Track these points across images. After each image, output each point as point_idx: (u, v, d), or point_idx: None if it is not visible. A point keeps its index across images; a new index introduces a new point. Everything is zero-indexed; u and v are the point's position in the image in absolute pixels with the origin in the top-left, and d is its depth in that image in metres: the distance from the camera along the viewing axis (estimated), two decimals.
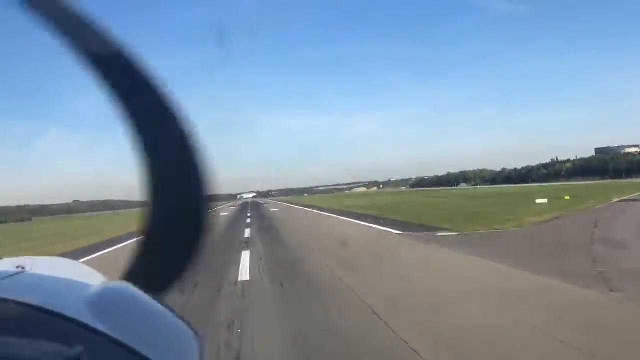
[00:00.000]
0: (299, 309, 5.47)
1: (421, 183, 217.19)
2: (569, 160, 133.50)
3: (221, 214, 39.57)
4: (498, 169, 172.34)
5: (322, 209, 34.53)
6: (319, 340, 4.30)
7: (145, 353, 0.56)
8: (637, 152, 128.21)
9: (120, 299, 0.69)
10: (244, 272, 8.12)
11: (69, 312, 0.56)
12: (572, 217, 15.84)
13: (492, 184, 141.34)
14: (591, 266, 6.82)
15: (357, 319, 4.93)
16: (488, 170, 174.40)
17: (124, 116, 0.69)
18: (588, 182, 75.56)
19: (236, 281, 7.37)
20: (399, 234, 13.32)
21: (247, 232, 17.22)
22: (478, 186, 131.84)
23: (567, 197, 26.93)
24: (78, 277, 0.74)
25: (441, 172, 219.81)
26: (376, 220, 19.04)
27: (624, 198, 24.56)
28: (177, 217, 0.75)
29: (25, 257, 0.82)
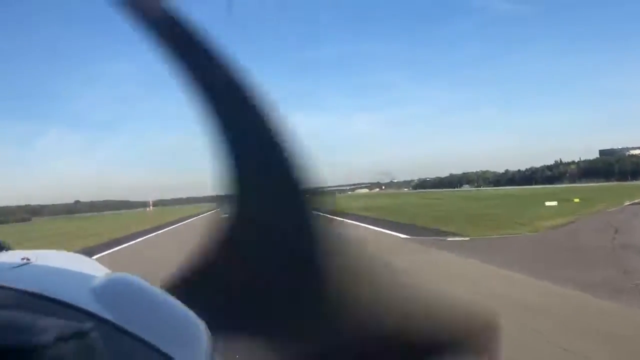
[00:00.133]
0: None
1: (423, 184, 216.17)
2: (573, 162, 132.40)
3: (222, 216, 38.95)
4: (501, 170, 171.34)
5: None
6: None
7: (153, 341, 0.58)
8: None
9: (126, 289, 0.71)
10: None
11: (75, 301, 0.58)
12: (587, 221, 15.18)
13: (495, 185, 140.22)
14: (625, 278, 6.18)
15: None
16: (491, 172, 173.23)
17: (212, 113, 0.67)
18: (593, 184, 74.57)
19: None
20: (406, 238, 12.68)
21: None
22: (481, 187, 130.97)
23: (576, 200, 26.26)
24: (83, 268, 0.77)
25: (443, 174, 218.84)
26: (380, 223, 18.41)
27: (635, 201, 23.89)
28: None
29: (30, 250, 0.83)
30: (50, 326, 0.48)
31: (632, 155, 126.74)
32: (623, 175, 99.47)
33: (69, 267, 0.76)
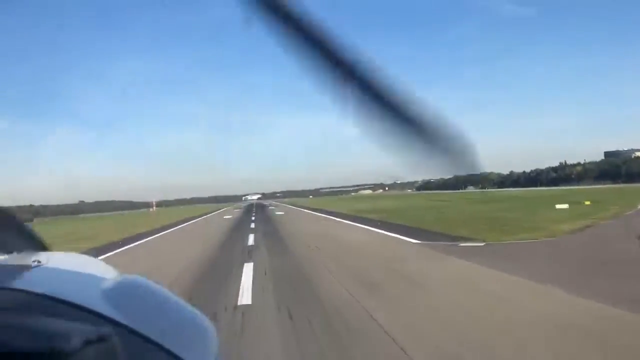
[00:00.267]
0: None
1: (427, 186, 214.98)
2: (579, 164, 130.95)
3: (225, 217, 38.48)
4: (505, 171, 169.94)
5: (330, 213, 33.29)
6: None
7: (166, 344, 0.58)
8: None
9: (136, 291, 0.72)
10: (245, 292, 6.89)
11: (86, 303, 0.58)
12: (605, 225, 14.51)
13: (500, 187, 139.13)
14: None
15: None
16: (495, 173, 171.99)
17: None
18: (600, 186, 73.60)
19: (235, 305, 6.14)
20: (417, 243, 12.04)
21: (251, 239, 16.01)
22: (486, 189, 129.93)
23: (587, 202, 25.59)
24: (93, 270, 0.78)
25: (447, 175, 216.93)
26: (388, 226, 17.79)
27: None
28: None
29: (41, 252, 0.84)
30: (72, 330, 0.48)
31: (638, 157, 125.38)
32: (630, 177, 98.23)
33: (79, 269, 0.76)
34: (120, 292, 0.67)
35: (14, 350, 0.44)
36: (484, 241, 11.50)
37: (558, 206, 23.11)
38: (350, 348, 4.32)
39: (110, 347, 0.49)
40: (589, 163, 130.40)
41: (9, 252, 0.83)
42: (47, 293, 0.58)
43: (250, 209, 60.98)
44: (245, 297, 6.58)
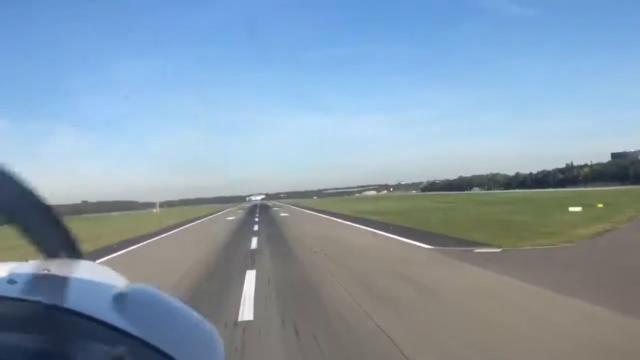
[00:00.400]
0: None
1: (432, 187, 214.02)
2: (586, 165, 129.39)
3: (227, 218, 37.94)
4: (510, 173, 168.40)
5: (335, 214, 32.64)
6: None
7: (174, 354, 0.58)
8: None
9: (145, 300, 0.71)
10: (247, 305, 6.29)
11: (96, 313, 0.58)
12: (624, 229, 13.85)
13: (505, 188, 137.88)
14: None
15: None
16: (501, 175, 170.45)
17: None
18: (609, 188, 72.39)
19: (235, 321, 5.54)
20: (430, 249, 11.40)
21: (254, 242, 15.42)
22: (492, 190, 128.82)
23: (599, 205, 24.85)
24: (102, 279, 0.77)
25: (452, 176, 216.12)
26: (396, 230, 17.14)
27: None
28: None
29: (50, 259, 0.81)
30: (82, 343, 0.48)
31: None
32: (638, 179, 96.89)
33: (88, 277, 0.75)
34: (130, 302, 0.66)
35: None
36: (500, 247, 10.85)
37: (571, 209, 22.41)
38: None
39: (121, 359, 0.48)
40: (597, 164, 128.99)
41: (49, 253, 0.75)
42: (57, 304, 0.57)
43: (253, 209, 60.48)
44: (246, 311, 5.97)
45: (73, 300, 0.60)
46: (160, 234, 24.08)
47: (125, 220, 55.08)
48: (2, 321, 0.53)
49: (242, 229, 23.36)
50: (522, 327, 4.80)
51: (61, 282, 0.69)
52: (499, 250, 10.50)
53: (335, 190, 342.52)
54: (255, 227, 23.59)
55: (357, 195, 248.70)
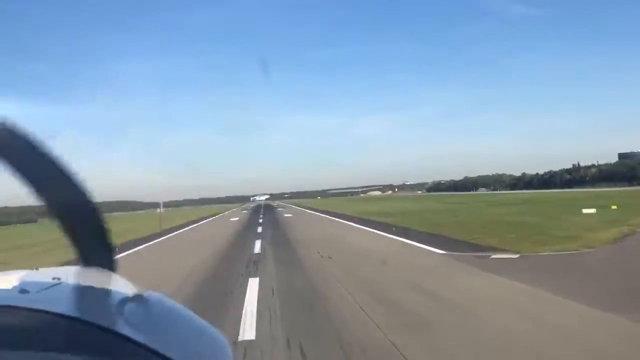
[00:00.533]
0: None
1: (437, 187, 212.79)
2: (593, 165, 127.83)
3: (231, 219, 37.44)
4: (516, 173, 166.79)
5: (340, 216, 32.01)
6: None
7: None
8: None
9: (155, 309, 0.70)
10: (248, 321, 5.72)
11: (106, 323, 0.58)
12: None
13: (512, 189, 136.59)
14: None
15: None
16: (507, 175, 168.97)
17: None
18: (618, 189, 71.34)
19: (235, 341, 4.95)
20: (443, 254, 10.80)
21: (258, 246, 14.86)
22: (498, 191, 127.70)
23: (613, 207, 24.15)
24: (112, 287, 0.75)
25: (458, 177, 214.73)
26: (405, 232, 16.52)
27: None
28: None
29: (60, 267, 0.81)
30: (91, 353, 0.48)
31: None
32: None
33: (99, 285, 0.73)
34: (138, 310, 0.65)
35: None
36: (517, 252, 10.23)
37: (585, 211, 21.71)
38: None
39: None
40: (604, 165, 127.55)
41: (86, 260, 0.74)
42: (66, 313, 0.57)
43: (258, 210, 60.01)
44: (248, 328, 5.38)
45: (84, 310, 0.59)
46: (162, 236, 23.60)
47: (127, 220, 54.63)
48: (14, 332, 0.52)
49: (246, 231, 22.82)
50: (563, 351, 4.19)
51: (72, 291, 0.68)
52: (516, 256, 9.89)
53: (340, 191, 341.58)
54: (259, 229, 23.06)
55: (361, 195, 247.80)
